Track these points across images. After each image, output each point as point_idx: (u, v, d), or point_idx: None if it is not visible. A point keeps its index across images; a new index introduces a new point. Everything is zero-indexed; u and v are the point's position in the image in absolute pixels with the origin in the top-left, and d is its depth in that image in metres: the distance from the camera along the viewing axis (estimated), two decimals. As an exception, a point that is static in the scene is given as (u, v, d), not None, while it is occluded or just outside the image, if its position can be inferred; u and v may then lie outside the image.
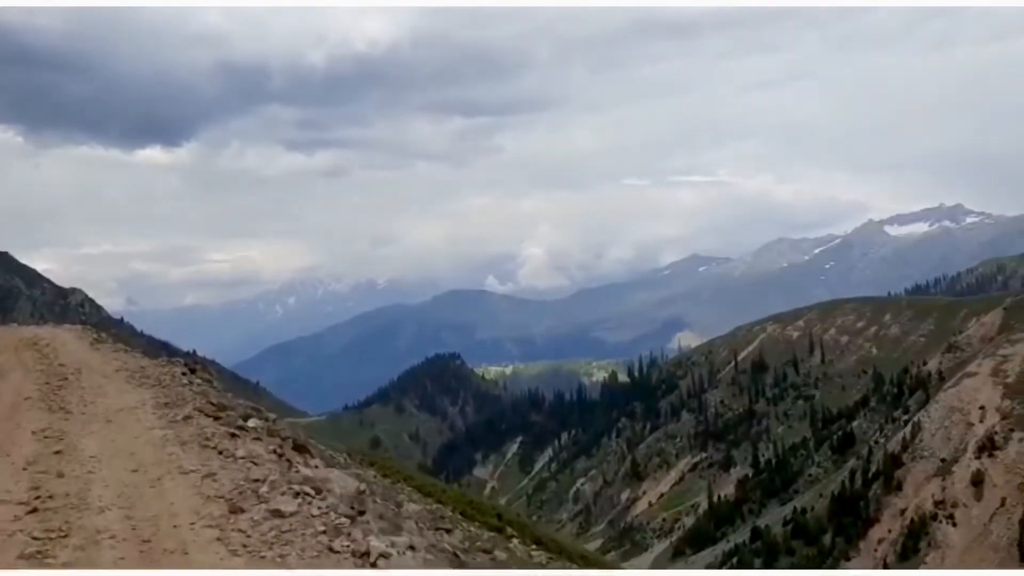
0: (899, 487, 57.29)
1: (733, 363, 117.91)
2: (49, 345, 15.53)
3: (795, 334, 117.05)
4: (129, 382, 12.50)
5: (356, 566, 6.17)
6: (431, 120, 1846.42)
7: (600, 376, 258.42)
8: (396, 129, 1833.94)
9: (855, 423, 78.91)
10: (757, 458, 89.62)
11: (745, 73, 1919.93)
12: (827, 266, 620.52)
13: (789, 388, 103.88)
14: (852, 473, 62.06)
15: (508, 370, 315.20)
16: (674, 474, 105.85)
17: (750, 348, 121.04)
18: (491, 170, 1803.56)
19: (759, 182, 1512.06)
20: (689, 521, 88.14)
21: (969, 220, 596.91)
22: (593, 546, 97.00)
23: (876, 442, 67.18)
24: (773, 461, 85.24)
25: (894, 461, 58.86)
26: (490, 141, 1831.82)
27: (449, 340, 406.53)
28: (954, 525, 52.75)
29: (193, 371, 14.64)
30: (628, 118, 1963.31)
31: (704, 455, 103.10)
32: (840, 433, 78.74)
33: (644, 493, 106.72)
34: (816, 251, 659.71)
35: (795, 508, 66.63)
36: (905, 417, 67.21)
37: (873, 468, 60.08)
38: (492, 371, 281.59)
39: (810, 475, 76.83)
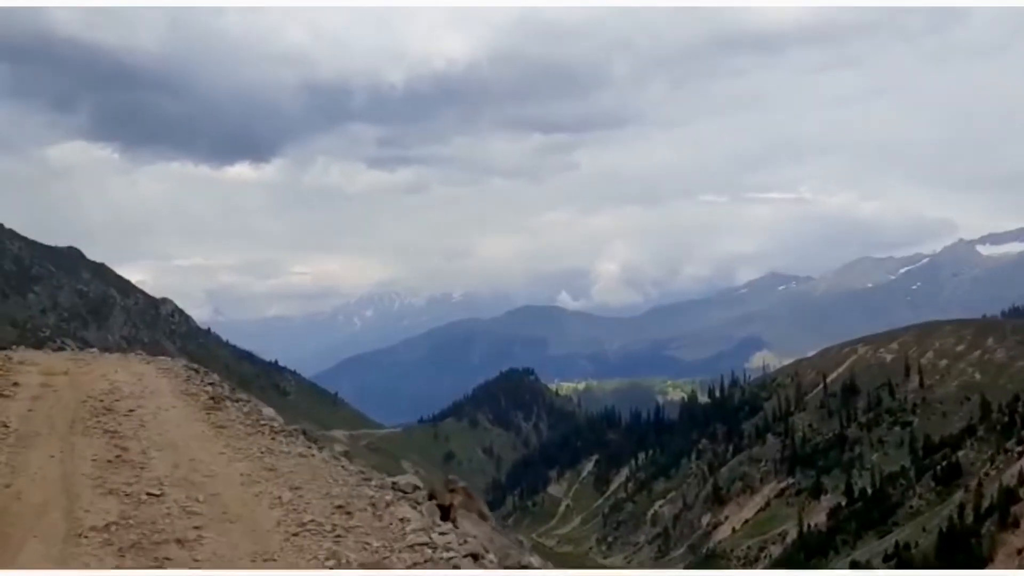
0: (1015, 524, 53.36)
1: (822, 385, 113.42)
2: (133, 412, 9.16)
3: (889, 357, 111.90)
4: None
5: None
6: (508, 137, 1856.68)
7: (676, 395, 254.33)
8: (474, 146, 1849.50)
9: (961, 453, 74.18)
10: (851, 486, 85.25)
11: (829, 87, 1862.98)
12: (914, 287, 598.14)
13: (884, 413, 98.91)
14: (961, 507, 58.17)
15: (581, 386, 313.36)
16: (759, 499, 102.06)
17: (840, 370, 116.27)
18: (567, 186, 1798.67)
19: (842, 199, 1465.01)
20: (776, 550, 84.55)
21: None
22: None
23: (987, 474, 62.97)
24: (869, 490, 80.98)
25: (1009, 496, 54.93)
26: (567, 157, 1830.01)
27: (521, 355, 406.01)
28: (1079, 568, 48.79)
29: (447, 512, 8.17)
30: (706, 134, 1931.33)
31: (791, 481, 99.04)
32: (944, 463, 74.11)
33: (727, 518, 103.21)
34: (902, 271, 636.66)
35: (896, 543, 62.83)
36: (1019, 448, 62.84)
37: (986, 503, 56.11)
38: (565, 387, 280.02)
39: (911, 507, 72.51)
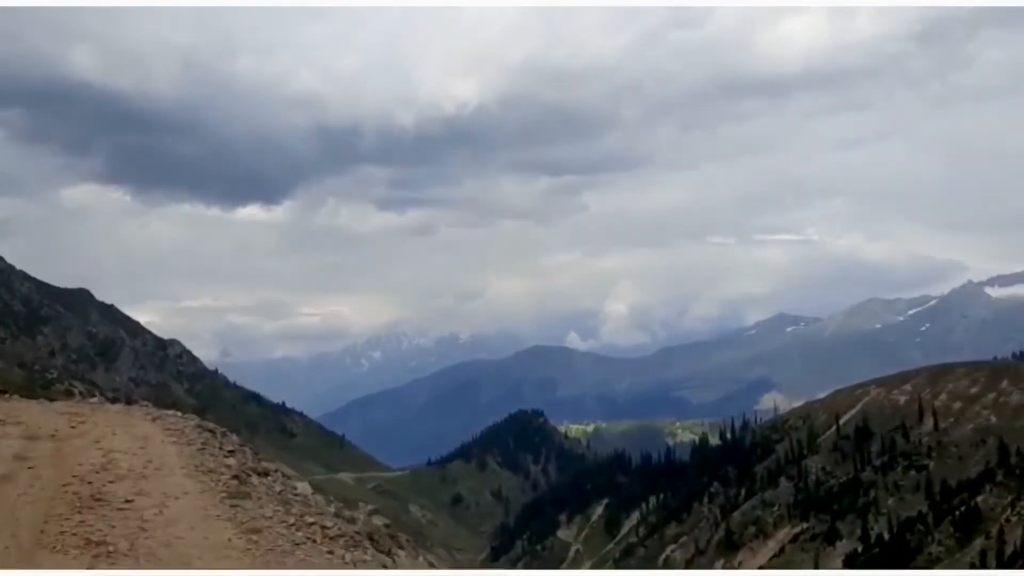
0: (1040, 572, 52.05)
1: (834, 428, 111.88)
2: (131, 503, 6.88)
3: (902, 399, 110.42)
4: None
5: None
6: (517, 179, 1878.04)
7: (686, 437, 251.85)
8: (483, 188, 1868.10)
9: (980, 498, 72.70)
10: (867, 532, 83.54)
11: (836, 131, 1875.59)
12: (923, 328, 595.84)
13: (899, 456, 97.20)
14: (983, 554, 56.82)
15: (590, 428, 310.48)
16: (773, 544, 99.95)
17: (852, 412, 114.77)
18: (575, 228, 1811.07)
19: (849, 241, 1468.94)
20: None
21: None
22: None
23: (1008, 520, 61.62)
24: (886, 536, 79.28)
25: (1032, 543, 53.68)
26: (575, 199, 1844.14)
27: (530, 396, 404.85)
28: (1107, 618, 47.41)
29: None
30: (714, 176, 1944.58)
31: (806, 526, 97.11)
32: (963, 508, 72.63)
33: (740, 564, 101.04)
34: (911, 312, 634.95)
35: (916, 590, 61.36)
36: (1040, 494, 61.61)
37: (1009, 549, 54.81)
38: (574, 429, 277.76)
39: (930, 554, 70.80)
